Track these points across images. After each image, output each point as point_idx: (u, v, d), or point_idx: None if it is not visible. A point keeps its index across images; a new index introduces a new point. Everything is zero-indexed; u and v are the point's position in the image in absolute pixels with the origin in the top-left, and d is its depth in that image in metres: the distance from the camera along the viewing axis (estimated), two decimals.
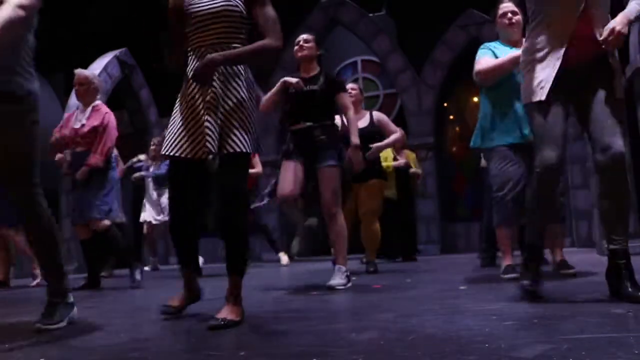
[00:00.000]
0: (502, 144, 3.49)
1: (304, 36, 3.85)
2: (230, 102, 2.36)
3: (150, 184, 7.31)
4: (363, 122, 4.73)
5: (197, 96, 2.39)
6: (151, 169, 7.30)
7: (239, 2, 2.43)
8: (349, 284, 3.62)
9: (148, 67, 9.45)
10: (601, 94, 2.39)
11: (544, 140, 2.43)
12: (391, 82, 9.37)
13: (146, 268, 7.51)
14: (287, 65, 8.24)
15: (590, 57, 2.41)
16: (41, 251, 2.46)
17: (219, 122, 2.34)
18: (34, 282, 5.51)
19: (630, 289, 2.24)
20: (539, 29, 2.49)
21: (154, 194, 7.27)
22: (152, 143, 7.38)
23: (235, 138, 2.35)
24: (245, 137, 2.36)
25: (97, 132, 4.47)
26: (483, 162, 5.31)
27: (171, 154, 2.40)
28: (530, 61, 2.50)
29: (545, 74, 2.42)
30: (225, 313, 2.28)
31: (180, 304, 2.59)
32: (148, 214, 7.35)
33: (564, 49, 2.39)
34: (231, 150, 2.34)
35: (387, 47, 9.12)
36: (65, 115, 4.98)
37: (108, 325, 2.45)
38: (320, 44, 3.90)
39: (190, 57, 2.47)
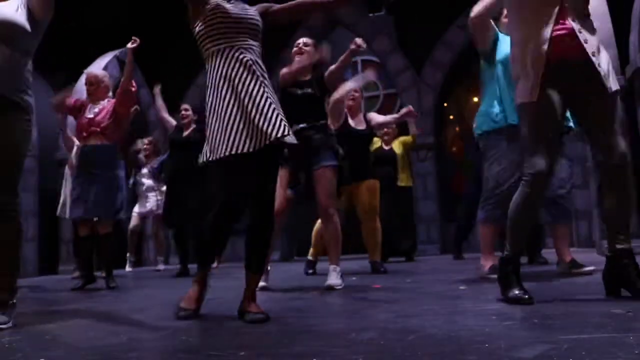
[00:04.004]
0: (489, 129, 3.55)
1: (304, 39, 3.87)
2: (259, 100, 2.39)
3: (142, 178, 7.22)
4: (361, 125, 4.91)
5: (232, 93, 2.39)
6: (144, 170, 7.25)
7: (258, 15, 2.59)
8: (342, 284, 3.64)
9: (148, 67, 9.43)
10: (596, 92, 2.33)
11: (536, 146, 2.37)
12: (391, 82, 9.36)
13: (128, 269, 7.22)
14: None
15: (577, 55, 2.33)
16: (4, 250, 2.47)
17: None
18: None
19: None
20: (522, 22, 2.43)
21: (144, 186, 7.17)
22: (145, 142, 7.33)
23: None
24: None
25: (116, 112, 4.50)
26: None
27: (234, 151, 2.33)
28: (520, 56, 2.42)
29: (533, 73, 2.35)
30: (256, 308, 2.38)
31: (197, 305, 2.49)
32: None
33: (546, 45, 2.32)
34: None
35: (387, 47, 9.11)
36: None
37: (108, 325, 2.45)
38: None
39: (216, 57, 2.46)
